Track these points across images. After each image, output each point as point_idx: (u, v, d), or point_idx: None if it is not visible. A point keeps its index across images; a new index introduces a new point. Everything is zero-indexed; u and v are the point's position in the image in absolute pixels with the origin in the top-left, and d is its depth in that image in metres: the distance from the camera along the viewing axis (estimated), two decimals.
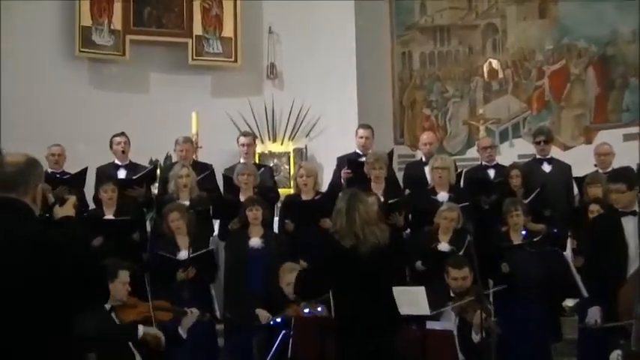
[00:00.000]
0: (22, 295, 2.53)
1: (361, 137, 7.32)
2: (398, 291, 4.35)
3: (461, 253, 5.88)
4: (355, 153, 7.30)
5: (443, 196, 6.58)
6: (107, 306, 4.49)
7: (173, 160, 7.55)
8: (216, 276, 6.22)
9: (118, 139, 7.21)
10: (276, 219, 6.69)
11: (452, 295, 5.44)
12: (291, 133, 9.01)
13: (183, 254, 5.90)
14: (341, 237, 4.30)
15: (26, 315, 2.53)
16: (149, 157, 7.83)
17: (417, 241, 6.29)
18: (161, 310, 4.82)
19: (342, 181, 6.94)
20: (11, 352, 2.51)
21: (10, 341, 2.51)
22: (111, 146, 7.25)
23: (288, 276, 5.48)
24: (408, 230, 6.62)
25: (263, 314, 5.37)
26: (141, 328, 4.52)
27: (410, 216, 6.57)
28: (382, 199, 6.31)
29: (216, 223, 6.84)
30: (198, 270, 5.82)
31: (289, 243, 6.31)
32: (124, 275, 4.66)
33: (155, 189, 7.14)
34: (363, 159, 6.95)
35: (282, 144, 9.04)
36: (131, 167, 7.15)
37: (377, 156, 6.70)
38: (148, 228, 6.75)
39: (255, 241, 6.14)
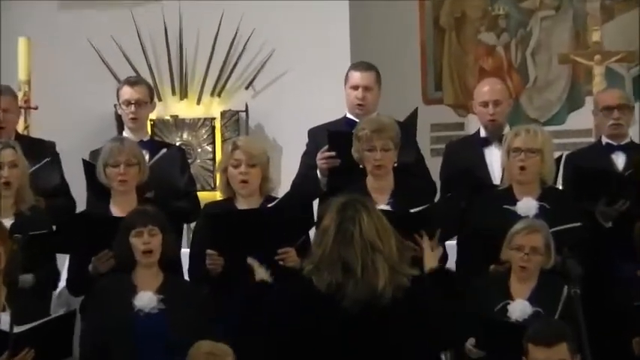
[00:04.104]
0: None
1: (355, 86, 7.57)
2: None
3: (555, 317, 6.14)
4: (345, 119, 7.55)
5: (527, 206, 6.80)
6: None
7: None
8: None
9: None
10: (186, 251, 6.83)
11: None
12: (217, 82, 9.24)
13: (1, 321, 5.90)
14: (316, 272, 4.69)
15: None
16: None
17: (470, 297, 6.45)
18: None
19: (319, 174, 7.22)
20: None
21: None
22: None
23: None
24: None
25: None
26: None
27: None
28: (389, 209, 6.50)
29: (66, 261, 6.96)
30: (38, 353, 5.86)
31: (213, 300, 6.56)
32: None
33: None
34: None
35: (199, 103, 9.33)
36: None
37: (378, 124, 6.81)
38: None
39: (146, 298, 6.26)
